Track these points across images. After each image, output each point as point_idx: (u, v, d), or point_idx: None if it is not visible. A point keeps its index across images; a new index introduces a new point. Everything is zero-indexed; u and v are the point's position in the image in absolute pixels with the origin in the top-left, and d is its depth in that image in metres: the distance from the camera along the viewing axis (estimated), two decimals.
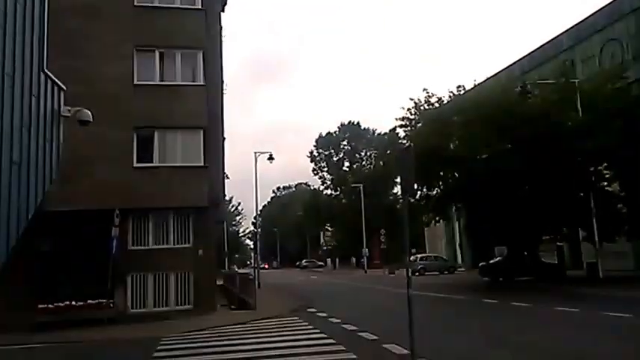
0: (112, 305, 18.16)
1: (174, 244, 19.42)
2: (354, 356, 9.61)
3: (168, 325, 16.81)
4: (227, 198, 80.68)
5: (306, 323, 14.94)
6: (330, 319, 15.40)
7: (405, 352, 9.18)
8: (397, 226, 59.91)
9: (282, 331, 13.88)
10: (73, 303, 18.29)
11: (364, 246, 53.87)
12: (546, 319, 14.24)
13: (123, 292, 18.72)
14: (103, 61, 18.85)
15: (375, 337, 11.29)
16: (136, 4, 19.59)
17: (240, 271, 49.38)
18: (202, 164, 19.40)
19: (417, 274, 42.81)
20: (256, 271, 38.33)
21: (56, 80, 7.05)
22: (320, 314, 17.10)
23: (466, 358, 9.56)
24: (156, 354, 11.34)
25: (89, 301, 18.16)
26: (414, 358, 8.00)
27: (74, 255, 18.75)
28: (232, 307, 22.52)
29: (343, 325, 13.80)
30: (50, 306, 18.15)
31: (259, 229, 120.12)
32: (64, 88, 7.52)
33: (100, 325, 16.44)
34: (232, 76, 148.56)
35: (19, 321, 17.48)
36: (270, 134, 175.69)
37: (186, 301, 19.19)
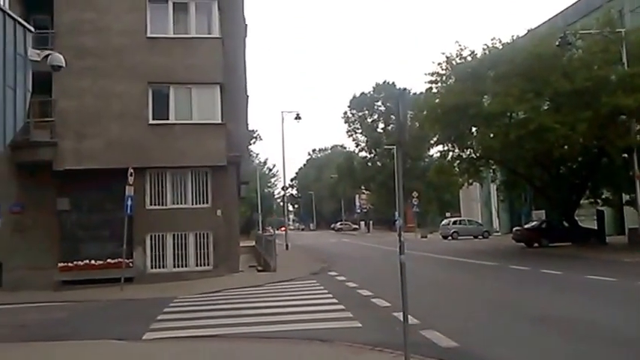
0: (130, 265, 18.04)
1: (192, 204, 19.05)
2: (359, 324, 8.92)
3: (185, 285, 16.63)
4: (261, 159, 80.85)
5: (322, 287, 14.39)
6: (347, 284, 14.80)
7: (416, 321, 8.40)
8: (431, 189, 59.14)
9: (294, 294, 13.41)
10: (93, 262, 18.34)
11: (396, 209, 52.85)
12: (574, 288, 13.16)
13: (142, 251, 18.57)
14: (115, 12, 18.24)
15: (388, 304, 10.55)
16: None
17: (274, 233, 49.58)
18: (219, 121, 18.74)
19: (449, 238, 41.81)
20: (285, 232, 38.35)
21: (19, 20, 6.33)
22: (339, 278, 16.53)
23: (473, 328, 8.70)
24: (160, 316, 10.98)
25: (109, 261, 18.13)
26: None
27: (93, 214, 18.67)
28: (259, 268, 22.35)
29: (358, 290, 13.17)
30: (71, 264, 18.23)
31: (296, 191, 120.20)
32: (32, 29, 6.78)
33: (118, 284, 16.30)
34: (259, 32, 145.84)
35: (41, 279, 17.64)
36: (304, 95, 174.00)
37: (206, 262, 18.92)
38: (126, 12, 18.30)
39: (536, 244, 28.56)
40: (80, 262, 18.23)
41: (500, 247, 30.45)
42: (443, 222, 46.46)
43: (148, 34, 18.42)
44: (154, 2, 18.50)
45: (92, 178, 18.01)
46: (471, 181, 32.48)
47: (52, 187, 18.35)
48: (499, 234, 45.49)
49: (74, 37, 17.99)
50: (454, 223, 44.71)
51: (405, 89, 9.15)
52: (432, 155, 57.58)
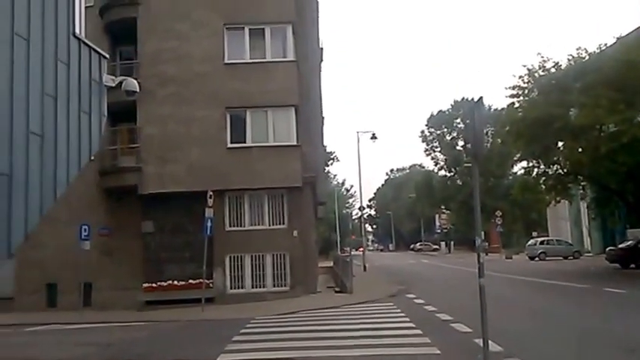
0: (211, 285, 18.44)
1: (269, 225, 19.25)
2: (437, 351, 8.44)
3: (263, 306, 16.72)
4: (338, 180, 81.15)
5: (399, 310, 13.92)
6: (426, 307, 14.21)
7: (499, 349, 7.82)
8: (516, 207, 56.51)
9: (370, 317, 13.05)
10: (176, 283, 18.91)
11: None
12: None
13: (222, 272, 18.92)
14: (194, 40, 19.00)
15: (469, 330, 9.96)
16: None
17: (354, 253, 49.34)
18: (295, 143, 18.90)
19: (536, 259, 39.62)
20: (363, 253, 37.95)
21: (94, 47, 6.62)
22: (417, 300, 15.94)
23: (560, 358, 7.96)
24: (236, 337, 11.01)
25: (190, 281, 18.61)
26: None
27: (176, 236, 19.31)
28: (336, 289, 22.14)
29: (437, 314, 12.58)
30: (154, 285, 18.91)
31: (374, 211, 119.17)
32: (106, 56, 7.10)
33: (199, 305, 16.68)
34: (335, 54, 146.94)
35: (126, 300, 18.43)
36: (381, 114, 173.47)
37: (283, 282, 18.97)
38: (205, 39, 19.01)
39: (632, 265, 26.34)
40: (163, 283, 18.87)
41: (593, 268, 28.37)
42: (529, 242, 44.20)
43: (226, 60, 19.02)
44: (231, 29, 19.12)
45: (174, 201, 18.68)
46: (558, 198, 30.65)
47: (137, 211, 19.20)
48: (591, 254, 42.49)
49: (157, 65, 18.94)
50: (541, 243, 42.38)
51: (480, 98, 8.52)
52: (516, 172, 55.32)
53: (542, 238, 44.37)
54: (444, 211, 78.87)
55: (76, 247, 16.97)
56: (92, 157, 13.43)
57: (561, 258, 39.32)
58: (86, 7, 18.89)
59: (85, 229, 17.14)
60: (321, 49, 34.01)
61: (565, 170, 27.67)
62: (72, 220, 17.46)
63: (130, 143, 19.45)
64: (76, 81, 6.15)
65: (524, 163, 30.45)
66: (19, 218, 5.55)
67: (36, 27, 5.62)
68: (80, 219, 17.38)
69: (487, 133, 70.36)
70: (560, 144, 26.46)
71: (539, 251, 40.49)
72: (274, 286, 18.90)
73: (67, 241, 17.59)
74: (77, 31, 6.18)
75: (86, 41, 6.47)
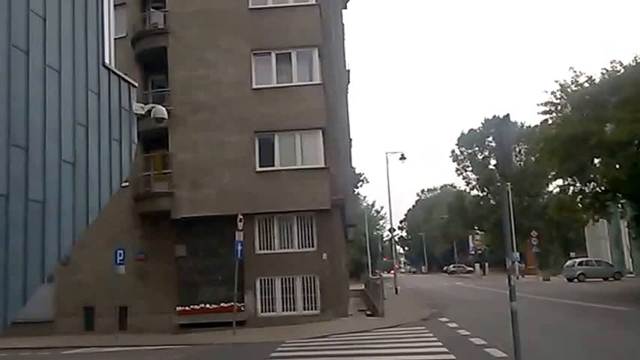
0: (242, 309, 18.48)
1: (298, 248, 19.21)
2: None
3: (294, 329, 16.64)
4: (368, 202, 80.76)
5: (431, 334, 13.63)
6: (459, 331, 13.88)
7: None
8: (552, 227, 55.14)
9: (401, 341, 12.84)
10: (208, 306, 19.00)
11: (514, 250, 49.76)
12: None
13: (253, 295, 18.93)
14: (223, 67, 19.32)
15: (503, 355, 9.67)
16: (250, 6, 19.74)
17: (386, 276, 48.67)
18: (322, 165, 18.94)
19: (575, 280, 38.45)
20: (394, 276, 37.50)
21: (123, 76, 6.83)
22: (450, 324, 15.59)
23: None
24: None
25: (222, 304, 18.68)
26: None
27: (208, 259, 19.46)
28: (367, 313, 21.91)
29: (471, 339, 12.26)
30: (188, 309, 19.05)
31: (406, 233, 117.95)
32: (135, 84, 7.30)
33: (231, 328, 16.72)
34: (362, 76, 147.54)
35: (161, 323, 18.62)
36: (410, 135, 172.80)
37: (314, 306, 18.83)
38: (233, 66, 19.35)
39: None
40: (196, 306, 18.97)
41: (635, 289, 27.31)
42: (567, 263, 42.96)
43: (254, 86, 19.29)
44: (258, 55, 19.42)
45: (206, 224, 18.87)
46: (596, 217, 29.82)
47: (170, 235, 19.45)
48: (633, 275, 41.07)
49: (187, 92, 19.34)
50: (580, 263, 41.11)
51: (506, 116, 8.34)
52: (552, 191, 54.13)
53: (581, 259, 43.07)
54: (478, 231, 77.54)
55: (113, 271, 17.29)
56: (126, 183, 13.79)
57: (601, 279, 38.05)
58: (119, 38, 19.60)
59: (120, 254, 17.46)
60: (348, 71, 34.28)
61: (602, 188, 26.94)
62: (109, 245, 17.82)
63: (163, 169, 19.83)
64: (106, 109, 6.34)
65: (559, 182, 29.86)
66: (52, 244, 5.69)
67: (67, 58, 5.84)
68: (116, 244, 17.73)
69: (520, 151, 69.55)
70: (596, 161, 25.85)
71: (578, 272, 39.32)
72: (305, 309, 18.79)
73: (104, 266, 17.94)
74: (107, 61, 6.39)
75: (116, 71, 6.68)
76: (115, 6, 7.32)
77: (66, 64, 5.78)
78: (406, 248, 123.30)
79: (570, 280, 39.15)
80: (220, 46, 19.46)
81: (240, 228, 17.14)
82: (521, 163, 67.85)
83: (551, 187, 54.09)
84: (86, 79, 5.92)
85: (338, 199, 19.78)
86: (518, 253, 50.61)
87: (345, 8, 26.52)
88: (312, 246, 19.12)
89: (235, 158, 19.03)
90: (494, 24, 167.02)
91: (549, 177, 32.80)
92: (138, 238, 19.64)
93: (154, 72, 20.49)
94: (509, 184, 45.99)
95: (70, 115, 5.65)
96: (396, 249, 39.59)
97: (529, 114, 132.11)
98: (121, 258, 17.48)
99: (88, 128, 5.94)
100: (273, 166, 19.05)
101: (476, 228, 75.66)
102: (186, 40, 19.61)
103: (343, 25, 25.36)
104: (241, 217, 17.27)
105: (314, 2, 19.65)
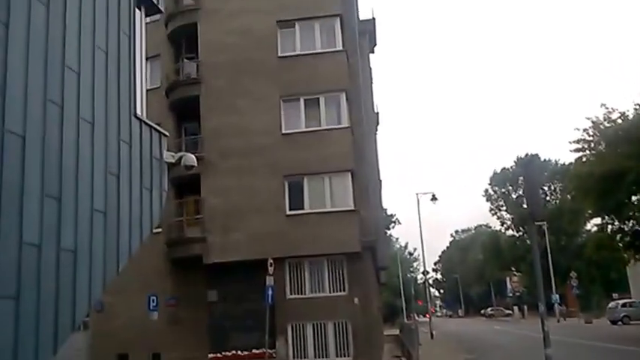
0: (274, 355, 18.19)
1: (329, 292, 18.96)
2: None
3: None
4: (401, 244, 79.71)
5: None
6: None
7: None
8: (593, 267, 53.19)
9: None
10: (240, 352, 18.80)
11: (553, 291, 48.03)
12: None
13: (284, 341, 18.66)
14: (253, 114, 19.71)
15: None
16: (279, 54, 20.23)
17: (421, 320, 47.51)
18: (352, 208, 18.88)
19: (619, 323, 36.73)
20: (430, 319, 36.54)
21: (154, 126, 7.05)
22: None
23: None
24: None
25: (254, 351, 18.47)
26: None
27: (239, 304, 19.37)
28: (402, 359, 21.34)
29: None
30: (219, 355, 18.87)
31: (440, 275, 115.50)
32: (166, 134, 7.52)
33: None
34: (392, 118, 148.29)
35: None
36: (441, 176, 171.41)
37: (346, 352, 18.41)
38: (263, 113, 19.73)
39: None
40: (228, 353, 18.80)
41: None
42: (610, 304, 41.20)
43: (283, 131, 19.59)
44: (287, 101, 19.79)
45: (237, 269, 18.86)
46: (638, 256, 28.73)
47: (202, 280, 19.49)
48: None
49: (218, 139, 19.76)
50: (623, 305, 39.35)
51: (533, 156, 8.27)
52: (590, 229, 52.57)
53: (625, 300, 41.27)
54: (515, 273, 75.36)
55: (146, 317, 17.32)
56: (158, 229, 13.98)
57: None
58: (153, 89, 20.29)
59: (153, 300, 17.47)
60: (377, 113, 34.56)
61: None
62: (142, 291, 17.86)
63: (196, 214, 20.09)
64: (137, 159, 6.53)
65: (597, 220, 29.01)
66: (83, 292, 5.78)
67: (100, 110, 6.08)
68: (150, 289, 17.79)
69: (555, 189, 68.11)
70: (634, 198, 25.12)
71: (622, 314, 37.63)
72: (337, 355, 18.37)
73: (137, 312, 17.98)
74: (139, 111, 6.63)
75: (147, 121, 6.91)
76: (148, 58, 7.66)
77: (99, 115, 6.02)
78: (441, 291, 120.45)
79: (614, 322, 37.47)
80: (250, 93, 19.94)
81: (271, 272, 17.06)
82: (557, 201, 66.34)
83: (589, 226, 52.56)
84: (118, 130, 6.14)
85: (369, 241, 19.58)
86: (557, 295, 48.81)
87: (373, 52, 27.02)
88: (344, 290, 18.84)
89: (265, 202, 19.15)
90: (528, 63, 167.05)
91: (586, 215, 31.92)
92: (170, 283, 19.75)
93: (187, 120, 21.08)
94: (543, 223, 44.90)
95: (102, 165, 5.84)
96: (430, 291, 38.68)
97: (564, 151, 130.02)
98: (154, 304, 17.47)
99: (119, 177, 6.11)
100: (303, 209, 19.08)
101: (513, 269, 73.62)
102: (218, 89, 20.20)
103: (371, 68, 25.79)
104: (271, 261, 17.19)
105: (341, 48, 20.06)
